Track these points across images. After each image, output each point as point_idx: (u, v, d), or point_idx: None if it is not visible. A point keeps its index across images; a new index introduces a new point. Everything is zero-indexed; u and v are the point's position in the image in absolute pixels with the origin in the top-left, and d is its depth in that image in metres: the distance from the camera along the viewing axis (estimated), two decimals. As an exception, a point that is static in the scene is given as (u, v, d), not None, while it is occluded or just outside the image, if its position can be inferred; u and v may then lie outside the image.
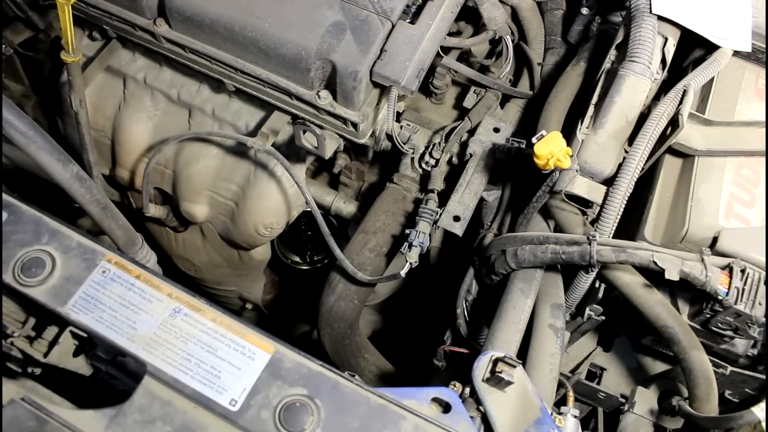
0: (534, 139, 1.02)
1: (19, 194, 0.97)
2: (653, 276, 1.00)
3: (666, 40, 1.19)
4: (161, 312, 0.87)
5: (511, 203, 1.29)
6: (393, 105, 1.26)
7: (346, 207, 1.58)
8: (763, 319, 0.96)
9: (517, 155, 1.28)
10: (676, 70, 1.26)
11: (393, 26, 1.25)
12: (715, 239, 1.01)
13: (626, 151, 1.09)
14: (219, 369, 0.83)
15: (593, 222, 1.09)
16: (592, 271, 1.06)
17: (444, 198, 1.31)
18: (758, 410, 0.97)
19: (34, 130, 0.97)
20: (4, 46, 1.60)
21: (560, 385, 1.03)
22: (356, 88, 1.22)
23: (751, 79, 1.22)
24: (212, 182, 1.49)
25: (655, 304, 1.02)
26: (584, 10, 1.54)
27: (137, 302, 0.88)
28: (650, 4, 1.18)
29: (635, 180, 1.04)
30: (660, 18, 1.18)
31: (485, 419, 0.85)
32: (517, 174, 1.30)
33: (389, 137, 1.36)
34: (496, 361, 0.88)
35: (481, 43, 1.50)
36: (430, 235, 1.25)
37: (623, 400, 1.20)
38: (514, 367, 0.87)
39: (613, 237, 1.05)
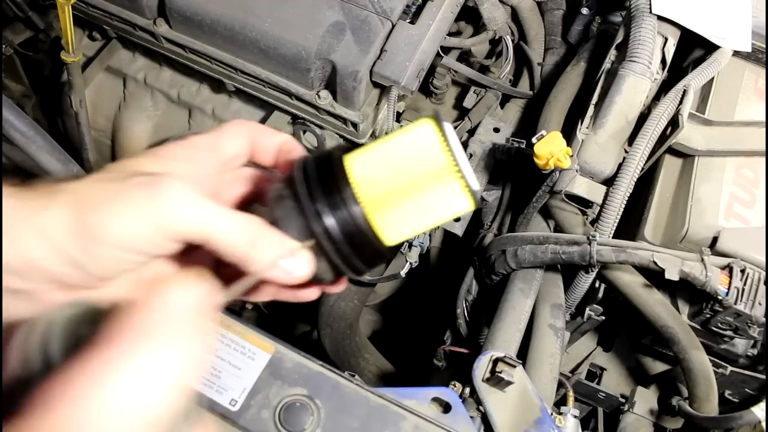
0: (534, 139, 1.02)
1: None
2: (653, 276, 1.00)
3: (666, 40, 1.19)
4: (161, 312, 0.87)
5: (511, 203, 1.29)
6: (393, 105, 1.26)
7: (346, 207, 1.58)
8: (763, 319, 0.96)
9: (517, 155, 1.28)
10: (676, 70, 1.26)
11: (393, 26, 1.25)
12: (715, 239, 1.01)
13: (626, 151, 1.09)
14: (219, 369, 0.83)
15: (593, 222, 1.09)
16: (592, 271, 1.06)
17: (444, 198, 1.31)
18: (758, 410, 0.97)
19: (34, 130, 0.97)
20: (4, 46, 1.60)
21: (560, 385, 1.03)
22: (356, 88, 1.22)
23: (751, 79, 1.22)
24: (212, 182, 1.49)
25: (655, 304, 1.02)
26: (584, 10, 1.54)
27: (137, 302, 0.88)
28: (650, 4, 1.18)
29: (635, 180, 1.04)
30: (660, 18, 1.18)
31: (485, 419, 0.85)
32: (517, 174, 1.30)
33: (389, 137, 1.36)
34: (496, 361, 0.88)
35: (481, 43, 1.50)
36: (430, 235, 1.26)
37: (623, 400, 1.20)
38: (514, 367, 0.87)
39: (613, 237, 1.05)
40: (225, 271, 0.61)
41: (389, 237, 0.60)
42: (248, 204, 0.64)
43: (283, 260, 0.54)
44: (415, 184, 0.60)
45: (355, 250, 0.59)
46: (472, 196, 0.59)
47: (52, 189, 0.51)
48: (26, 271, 0.50)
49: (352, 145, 0.66)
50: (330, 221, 0.57)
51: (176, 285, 0.37)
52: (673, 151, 1.14)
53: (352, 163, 0.60)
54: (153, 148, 0.58)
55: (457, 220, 1.25)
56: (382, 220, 0.59)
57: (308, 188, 0.57)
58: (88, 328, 0.34)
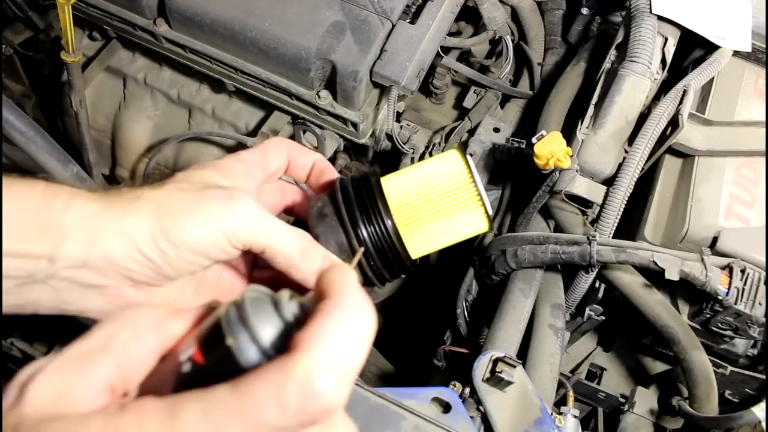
0: (534, 139, 1.02)
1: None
2: (653, 276, 0.99)
3: (666, 40, 1.19)
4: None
5: (511, 203, 1.29)
6: (393, 105, 1.26)
7: (346, 207, 1.58)
8: (763, 319, 0.96)
9: (517, 155, 1.28)
10: (676, 70, 1.26)
11: (393, 26, 1.25)
12: (715, 239, 1.01)
13: (626, 151, 1.09)
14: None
15: (593, 222, 1.08)
16: (592, 271, 1.06)
17: (444, 198, 1.30)
18: (758, 410, 0.97)
19: (34, 130, 0.97)
20: (4, 46, 1.60)
21: (560, 385, 1.03)
22: (356, 88, 1.22)
23: (751, 79, 1.22)
24: (212, 182, 1.48)
25: (655, 304, 1.02)
26: (584, 10, 1.54)
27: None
28: (650, 4, 1.18)
29: (635, 180, 1.04)
30: (660, 18, 1.18)
31: (485, 419, 0.85)
32: (517, 174, 1.30)
33: (389, 137, 1.36)
34: (496, 361, 0.88)
35: (481, 43, 1.50)
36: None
37: (623, 400, 1.20)
38: (514, 367, 0.87)
39: (613, 237, 1.05)
40: (258, 275, 0.73)
41: (414, 252, 0.68)
42: (278, 213, 0.74)
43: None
44: (440, 207, 0.68)
45: (385, 264, 0.67)
46: (489, 220, 0.70)
47: (135, 195, 0.59)
48: (104, 268, 0.57)
49: (382, 171, 0.74)
50: (367, 239, 0.66)
51: (351, 273, 0.47)
52: (673, 151, 1.14)
53: (386, 186, 0.68)
54: (214, 161, 0.67)
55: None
56: (410, 238, 0.68)
57: (348, 208, 0.66)
58: (272, 305, 0.45)
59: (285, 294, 0.46)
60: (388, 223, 0.66)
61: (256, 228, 0.60)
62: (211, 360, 0.43)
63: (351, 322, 0.43)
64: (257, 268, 0.75)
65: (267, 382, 0.39)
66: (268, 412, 0.39)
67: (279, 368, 0.40)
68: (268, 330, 0.43)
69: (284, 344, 0.43)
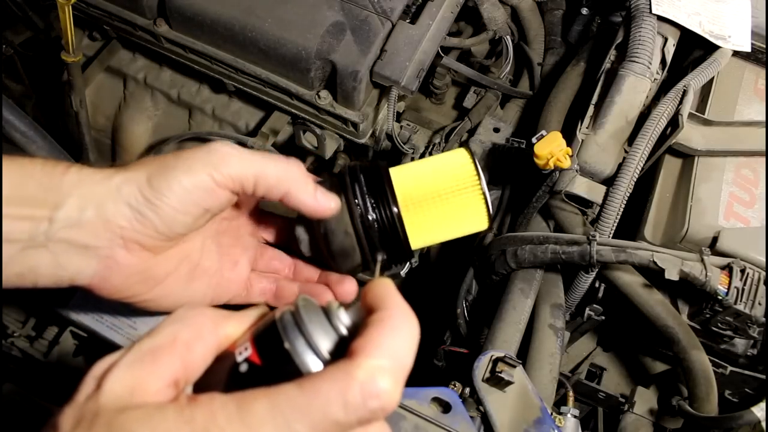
0: (534, 139, 1.02)
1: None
2: (653, 276, 0.99)
3: (666, 40, 1.19)
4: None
5: (511, 203, 1.29)
6: (393, 105, 1.26)
7: (346, 207, 1.58)
8: (763, 319, 0.96)
9: (517, 155, 1.28)
10: (676, 70, 1.26)
11: (393, 26, 1.25)
12: (714, 239, 1.01)
13: (626, 151, 1.09)
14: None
15: (593, 222, 1.09)
16: (592, 271, 1.06)
17: (444, 198, 1.30)
18: (758, 410, 0.97)
19: (34, 130, 0.97)
20: (4, 46, 1.60)
21: (560, 385, 1.03)
22: (356, 88, 1.22)
23: (751, 79, 1.22)
24: (212, 182, 1.48)
25: (655, 304, 1.02)
26: (584, 10, 1.54)
27: (137, 302, 0.88)
28: (650, 4, 1.18)
29: (635, 180, 1.04)
30: (660, 18, 1.18)
31: (485, 419, 0.85)
32: (517, 174, 1.30)
33: (389, 137, 1.36)
34: (496, 361, 0.88)
35: (481, 43, 1.50)
36: (430, 235, 1.25)
37: (623, 400, 1.20)
38: (514, 367, 0.87)
39: (613, 237, 1.05)
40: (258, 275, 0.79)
41: (414, 241, 0.70)
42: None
43: (319, 193, 0.67)
44: (443, 200, 0.69)
45: (383, 242, 0.68)
46: (489, 219, 0.72)
47: (127, 163, 0.64)
48: (97, 227, 0.60)
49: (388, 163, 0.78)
50: (372, 216, 0.67)
51: (394, 287, 0.53)
52: (673, 151, 1.14)
53: (393, 172, 0.71)
54: None
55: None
56: (410, 225, 0.69)
57: (353, 177, 0.68)
58: (319, 311, 0.50)
59: (334, 303, 0.51)
60: (392, 205, 0.67)
61: (241, 161, 0.62)
62: (268, 362, 0.47)
63: (403, 332, 0.48)
64: (255, 270, 0.78)
65: (333, 382, 0.43)
66: (334, 408, 0.43)
67: (343, 370, 0.44)
68: (321, 336, 0.48)
69: (335, 349, 0.47)
